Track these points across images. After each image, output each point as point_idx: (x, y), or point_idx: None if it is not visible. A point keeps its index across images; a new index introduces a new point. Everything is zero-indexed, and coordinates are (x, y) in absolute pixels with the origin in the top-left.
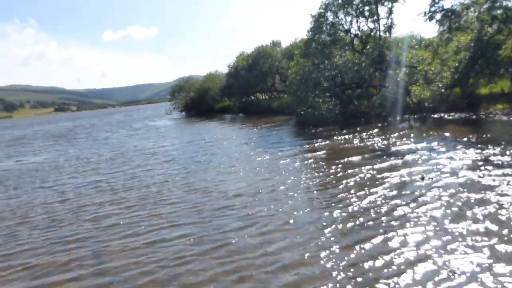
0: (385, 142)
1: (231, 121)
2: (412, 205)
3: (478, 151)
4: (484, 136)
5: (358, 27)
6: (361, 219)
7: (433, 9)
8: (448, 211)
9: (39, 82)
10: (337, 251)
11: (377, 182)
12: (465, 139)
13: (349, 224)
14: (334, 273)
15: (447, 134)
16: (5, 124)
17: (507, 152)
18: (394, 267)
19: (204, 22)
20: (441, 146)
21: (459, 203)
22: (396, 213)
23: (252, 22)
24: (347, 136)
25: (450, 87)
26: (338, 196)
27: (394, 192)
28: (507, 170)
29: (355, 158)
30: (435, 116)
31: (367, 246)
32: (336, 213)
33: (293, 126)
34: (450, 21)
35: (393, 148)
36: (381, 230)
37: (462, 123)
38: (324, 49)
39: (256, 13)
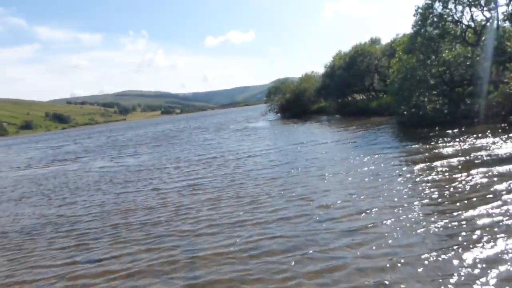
0: (507, 145)
1: (328, 122)
2: None
3: None
4: None
5: (471, 17)
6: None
7: None
8: None
9: (148, 87)
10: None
11: (504, 194)
12: None
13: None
14: None
15: None
16: (120, 126)
17: None
18: None
19: (299, 23)
20: None
21: None
22: None
23: (349, 19)
24: (457, 139)
25: None
26: (454, 211)
27: None
28: None
29: (467, 163)
30: None
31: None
32: (459, 235)
33: (394, 128)
34: None
35: None
36: None
37: None
38: (431, 43)
39: (353, 11)
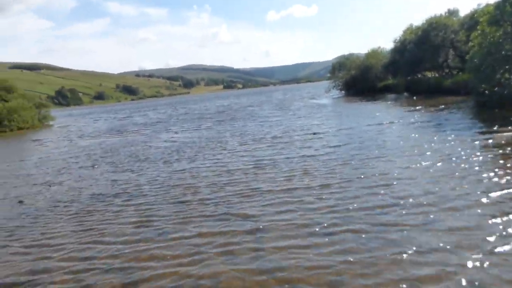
0: None
1: (396, 101)
2: None
3: None
4: None
5: None
6: None
7: None
8: None
9: (212, 61)
10: None
11: None
12: None
13: None
14: None
15: None
16: (183, 99)
17: None
18: None
19: None
20: None
21: None
22: None
23: None
24: None
25: None
26: None
27: None
28: None
29: None
30: None
31: None
32: None
33: (472, 108)
34: None
35: None
36: None
37: None
38: None
39: None
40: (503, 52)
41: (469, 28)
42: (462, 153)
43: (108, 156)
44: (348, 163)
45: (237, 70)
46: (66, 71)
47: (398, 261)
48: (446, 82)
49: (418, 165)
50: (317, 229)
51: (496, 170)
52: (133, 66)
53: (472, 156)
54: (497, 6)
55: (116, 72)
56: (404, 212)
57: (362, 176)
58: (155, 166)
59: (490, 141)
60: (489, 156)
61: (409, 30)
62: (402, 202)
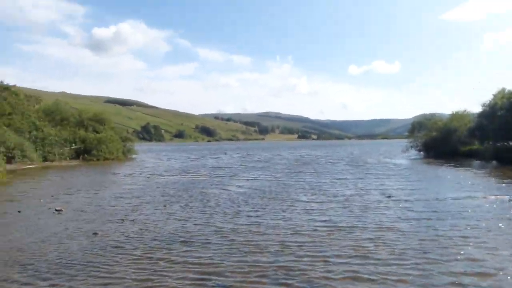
0: None
1: (483, 169)
2: None
3: None
4: None
5: None
6: None
7: None
8: None
9: (288, 110)
10: None
11: None
12: None
13: None
14: None
15: None
16: (257, 145)
17: None
18: None
19: (451, 55)
20: None
21: None
22: None
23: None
24: None
25: None
26: None
27: None
28: None
29: None
30: None
31: None
32: None
33: None
34: None
35: None
36: None
37: None
38: None
39: None
40: None
41: None
42: None
43: (180, 196)
44: (430, 239)
45: (313, 121)
46: (153, 109)
47: None
48: None
49: None
50: None
51: None
52: (213, 108)
53: None
54: None
55: (196, 113)
56: None
57: (444, 259)
58: (222, 215)
59: None
60: None
61: (501, 94)
62: None
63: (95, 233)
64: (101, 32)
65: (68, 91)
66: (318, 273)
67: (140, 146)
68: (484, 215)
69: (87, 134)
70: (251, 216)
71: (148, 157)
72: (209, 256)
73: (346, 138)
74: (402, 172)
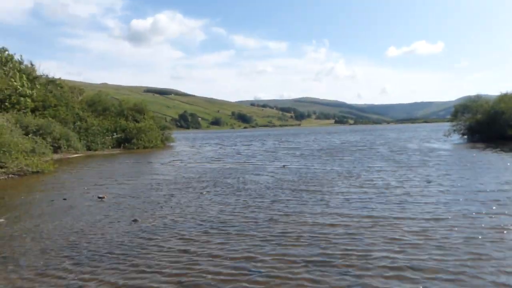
0: None
1: None
2: None
3: None
4: None
5: None
6: None
7: None
8: None
9: (325, 95)
10: None
11: None
12: None
13: None
14: None
15: None
16: (294, 131)
17: None
18: None
19: (499, 35)
20: None
21: None
22: None
23: None
24: None
25: None
26: None
27: None
28: None
29: None
30: None
31: None
32: None
33: None
34: None
35: None
36: None
37: None
38: None
39: None
40: None
41: None
42: None
43: (216, 184)
44: (478, 232)
45: (350, 106)
46: (190, 97)
47: None
48: None
49: None
50: None
51: None
52: (249, 95)
53: None
54: None
55: (233, 100)
56: None
57: (495, 256)
58: (258, 203)
59: None
60: None
61: None
62: None
63: (135, 220)
64: (139, 24)
65: (110, 82)
66: (355, 262)
67: (177, 134)
68: None
69: (128, 123)
70: (288, 205)
71: (185, 145)
72: (245, 247)
73: (384, 123)
74: (447, 159)
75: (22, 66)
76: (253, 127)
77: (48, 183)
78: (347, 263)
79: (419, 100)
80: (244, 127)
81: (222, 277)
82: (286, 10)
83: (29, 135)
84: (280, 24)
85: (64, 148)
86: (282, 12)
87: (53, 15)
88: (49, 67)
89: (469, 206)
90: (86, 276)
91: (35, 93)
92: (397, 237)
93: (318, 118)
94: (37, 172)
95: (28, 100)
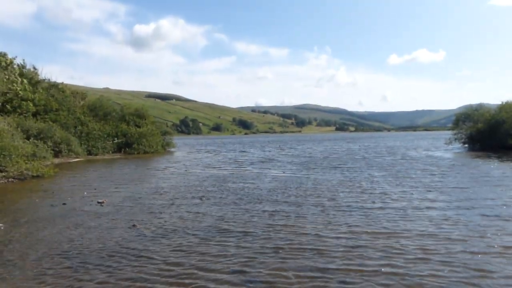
0: None
1: None
2: None
3: None
4: None
5: None
6: None
7: None
8: None
9: (326, 102)
10: None
11: None
12: None
13: None
14: None
15: None
16: (294, 138)
17: None
18: None
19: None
20: None
21: None
22: None
23: None
24: None
25: None
26: None
27: None
28: None
29: None
30: None
31: None
32: None
33: None
34: None
35: None
36: None
37: None
38: None
39: None
40: None
41: None
42: None
43: (215, 190)
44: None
45: (351, 113)
46: (191, 102)
47: None
48: None
49: None
50: None
51: None
52: (250, 101)
53: None
54: None
55: (234, 106)
56: None
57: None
58: (258, 210)
59: None
60: None
61: None
62: None
63: (134, 225)
64: (141, 29)
65: (112, 87)
66: (353, 267)
67: (178, 140)
68: None
69: (129, 128)
70: (287, 212)
71: (186, 150)
72: (244, 252)
73: (385, 130)
74: (447, 170)
75: (25, 70)
76: (254, 133)
77: (48, 188)
78: (346, 278)
79: (420, 108)
80: (245, 133)
81: (221, 285)
82: (288, 17)
83: (30, 139)
84: (282, 30)
85: (65, 152)
86: (284, 19)
87: (56, 19)
88: (51, 71)
89: (472, 218)
90: (85, 281)
91: (37, 97)
92: (398, 249)
93: (319, 125)
94: (37, 176)
95: (29, 104)
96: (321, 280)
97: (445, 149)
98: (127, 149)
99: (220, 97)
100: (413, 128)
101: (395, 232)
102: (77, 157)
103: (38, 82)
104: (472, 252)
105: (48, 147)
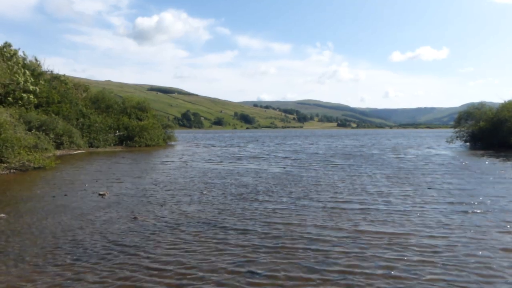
0: None
1: None
2: None
3: None
4: None
5: None
6: None
7: None
8: None
9: (328, 98)
10: None
11: None
12: None
13: None
14: None
15: None
16: (295, 133)
17: None
18: None
19: (506, 42)
20: None
21: None
22: None
23: None
24: None
25: None
26: None
27: None
28: None
29: None
30: None
31: None
32: None
33: None
34: None
35: None
36: None
37: None
38: None
39: None
40: None
41: None
42: None
43: (216, 183)
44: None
45: (353, 109)
46: (193, 96)
47: None
48: None
49: None
50: None
51: None
52: (252, 96)
53: None
54: None
55: (236, 101)
56: None
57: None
58: (258, 203)
59: None
60: None
61: None
62: None
63: (134, 218)
64: (144, 22)
65: (114, 80)
66: (352, 262)
67: (179, 133)
68: None
69: (130, 121)
70: (288, 209)
71: (187, 144)
72: (245, 244)
73: (387, 127)
74: (447, 167)
75: (27, 62)
76: (255, 128)
77: (50, 179)
78: (346, 262)
79: (422, 105)
80: (247, 127)
81: (220, 280)
82: (291, 12)
83: (32, 131)
84: (285, 26)
85: (67, 144)
86: (287, 14)
87: (58, 11)
88: (54, 64)
89: (476, 217)
90: (86, 272)
91: (38, 89)
92: (399, 251)
93: (320, 120)
94: (39, 167)
95: (31, 96)
96: (321, 280)
97: (447, 147)
98: (129, 142)
99: (222, 91)
100: (415, 125)
101: (395, 233)
102: (79, 149)
103: (41, 74)
104: (474, 255)
105: (50, 139)
